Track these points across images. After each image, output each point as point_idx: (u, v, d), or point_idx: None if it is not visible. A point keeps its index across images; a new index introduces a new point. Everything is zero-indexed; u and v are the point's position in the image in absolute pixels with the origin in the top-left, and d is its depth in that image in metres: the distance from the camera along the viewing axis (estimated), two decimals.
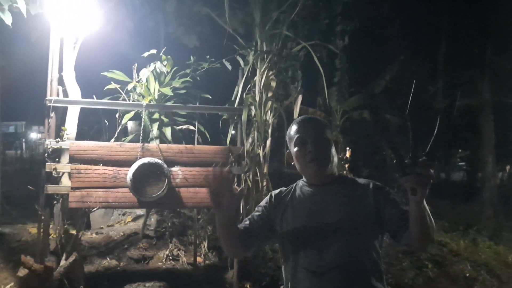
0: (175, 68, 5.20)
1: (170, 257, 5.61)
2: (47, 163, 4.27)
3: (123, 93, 4.98)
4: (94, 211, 4.81)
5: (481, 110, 10.94)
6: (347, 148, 9.52)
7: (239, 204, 2.04)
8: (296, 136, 1.89)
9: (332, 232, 1.76)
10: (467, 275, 6.00)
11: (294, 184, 2.01)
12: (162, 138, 4.93)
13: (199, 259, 5.54)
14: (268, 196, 2.02)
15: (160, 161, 4.35)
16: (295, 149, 1.89)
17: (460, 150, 16.96)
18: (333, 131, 1.86)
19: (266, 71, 5.33)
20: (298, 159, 1.89)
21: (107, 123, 5.30)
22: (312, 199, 1.88)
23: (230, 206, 1.80)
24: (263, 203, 2.02)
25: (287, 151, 1.99)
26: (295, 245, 1.84)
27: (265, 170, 5.32)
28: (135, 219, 6.76)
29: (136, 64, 5.04)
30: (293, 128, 1.94)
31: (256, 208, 2.03)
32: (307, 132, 1.88)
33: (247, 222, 1.97)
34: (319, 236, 1.78)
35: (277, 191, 2.02)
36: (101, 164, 4.39)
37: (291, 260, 1.85)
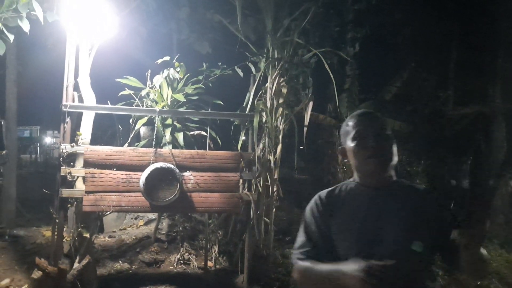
0: (188, 74, 5.27)
1: (181, 261, 5.65)
2: (62, 167, 4.35)
3: (137, 99, 5.06)
4: (107, 214, 4.88)
5: (492, 117, 10.87)
6: None
7: None
8: (356, 129, 1.72)
9: (390, 241, 1.61)
10: (478, 283, 5.96)
11: (342, 184, 1.82)
12: (174, 144, 4.98)
13: (209, 263, 5.58)
14: (314, 202, 1.80)
15: (172, 166, 4.41)
16: (353, 143, 1.71)
17: (471, 157, 16.83)
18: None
19: (277, 77, 5.38)
20: (356, 154, 1.71)
21: (121, 128, 5.38)
22: (369, 203, 1.70)
23: None
24: (314, 213, 1.77)
25: (340, 147, 1.83)
26: (347, 252, 1.65)
27: (276, 176, 5.35)
28: (147, 223, 6.82)
29: (149, 71, 5.12)
30: (351, 121, 1.76)
31: (306, 224, 1.79)
32: (368, 125, 1.71)
33: (318, 249, 1.73)
34: (376, 244, 1.63)
35: (324, 192, 1.80)
36: (114, 169, 4.47)
37: None
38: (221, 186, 4.70)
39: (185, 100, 5.11)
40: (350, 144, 1.72)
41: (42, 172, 13.42)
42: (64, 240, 4.54)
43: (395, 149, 1.70)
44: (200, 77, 5.39)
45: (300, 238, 1.78)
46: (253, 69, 5.49)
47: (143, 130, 5.39)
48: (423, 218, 1.64)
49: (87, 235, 4.54)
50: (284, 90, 5.44)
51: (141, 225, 6.77)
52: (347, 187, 1.78)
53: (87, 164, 4.41)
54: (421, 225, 1.63)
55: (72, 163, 4.47)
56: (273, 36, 5.46)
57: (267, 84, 5.44)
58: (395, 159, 1.70)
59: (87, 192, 4.34)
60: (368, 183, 1.72)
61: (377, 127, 1.71)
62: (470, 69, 12.32)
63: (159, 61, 5.19)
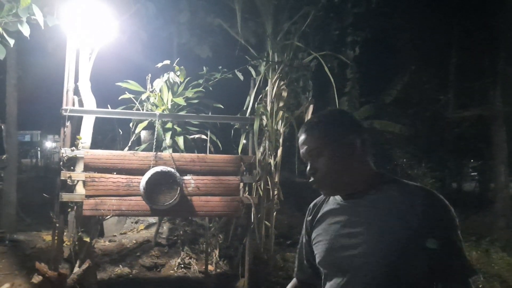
0: (188, 78, 5.26)
1: (182, 265, 5.65)
2: (62, 171, 4.35)
3: (137, 103, 5.05)
4: (108, 218, 4.87)
5: (493, 120, 10.87)
6: None
7: None
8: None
9: (361, 260, 1.38)
10: (480, 286, 5.94)
11: None
12: (174, 147, 4.98)
13: (210, 267, 5.57)
14: (307, 211, 1.67)
15: (172, 170, 4.40)
16: None
17: (472, 160, 16.84)
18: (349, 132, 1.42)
19: (277, 81, 5.38)
20: None
21: (121, 132, 5.38)
22: (341, 214, 1.48)
23: None
24: (305, 223, 1.66)
25: None
26: (322, 268, 1.52)
27: (276, 179, 5.35)
28: (147, 227, 6.81)
29: (150, 75, 5.11)
30: None
31: (302, 234, 1.71)
32: (302, 146, 1.51)
33: (302, 263, 1.69)
34: (344, 262, 1.42)
35: (314, 201, 1.64)
36: (114, 173, 4.47)
37: (324, 285, 1.52)
38: (221, 189, 4.69)
39: (185, 104, 5.10)
40: None
41: (43, 176, 13.40)
42: (64, 244, 4.54)
43: (341, 162, 1.44)
44: (200, 81, 5.39)
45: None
46: (253, 72, 5.49)
47: (143, 134, 5.39)
48: (408, 230, 1.33)
49: (87, 240, 4.53)
50: (284, 94, 5.44)
51: (141, 229, 6.76)
52: (330, 197, 1.57)
53: (87, 168, 4.40)
54: (403, 239, 1.33)
55: (72, 167, 4.47)
56: (273, 40, 5.47)
57: (267, 88, 5.44)
58: (347, 173, 1.44)
59: (87, 196, 4.34)
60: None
61: (310, 147, 1.48)
62: (471, 72, 12.35)
63: (159, 65, 5.18)
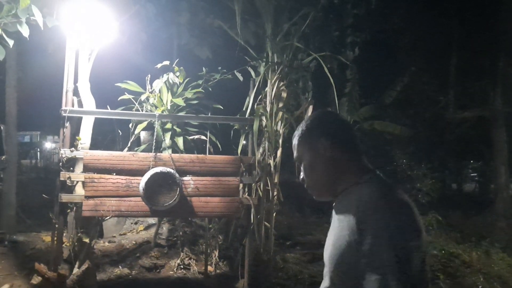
0: (188, 79, 5.26)
1: (181, 266, 5.64)
2: (61, 172, 4.34)
3: (137, 104, 5.05)
4: (107, 219, 4.87)
5: (493, 121, 10.88)
6: None
7: None
8: None
9: (328, 264, 1.38)
10: (480, 287, 5.94)
11: None
12: (174, 148, 4.98)
13: (210, 268, 5.56)
14: None
15: (172, 171, 4.40)
16: None
17: (472, 161, 16.85)
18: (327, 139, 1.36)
19: (277, 82, 5.37)
20: None
21: (120, 133, 5.37)
22: (332, 217, 1.49)
23: None
24: None
25: None
26: None
27: (276, 180, 5.34)
28: (147, 228, 6.81)
29: (149, 75, 5.11)
30: None
31: None
32: (294, 152, 1.56)
33: None
34: (326, 263, 1.42)
35: None
36: (114, 173, 4.46)
37: None
38: (221, 190, 4.69)
39: (184, 105, 5.10)
40: None
41: (42, 177, 13.42)
42: (63, 245, 4.53)
43: (314, 169, 1.46)
44: (200, 82, 5.39)
45: None
46: (252, 73, 5.49)
47: (143, 135, 5.38)
48: (345, 237, 1.27)
49: (87, 240, 4.51)
50: (284, 94, 5.43)
51: (141, 230, 6.76)
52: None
53: (86, 169, 4.40)
54: (342, 246, 1.28)
55: (72, 168, 4.46)
56: (272, 41, 5.47)
57: (267, 88, 5.43)
58: (325, 176, 1.45)
59: (87, 197, 4.33)
60: None
61: (297, 155, 1.53)
62: (471, 73, 12.36)
63: (159, 65, 5.18)
